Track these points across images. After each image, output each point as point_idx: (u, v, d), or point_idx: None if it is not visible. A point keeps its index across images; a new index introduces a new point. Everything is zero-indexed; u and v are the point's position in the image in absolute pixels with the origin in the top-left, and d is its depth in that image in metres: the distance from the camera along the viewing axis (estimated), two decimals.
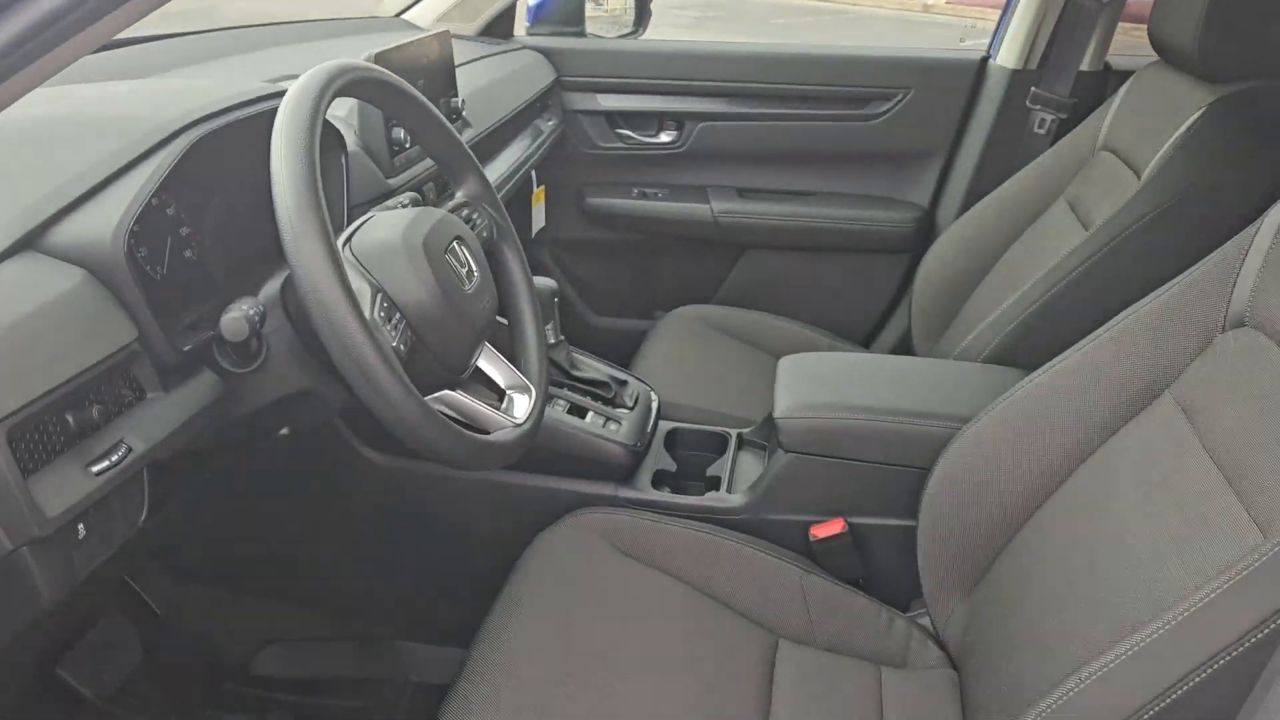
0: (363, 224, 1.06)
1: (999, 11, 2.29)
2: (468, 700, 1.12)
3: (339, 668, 1.70)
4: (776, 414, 1.47)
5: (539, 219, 2.38)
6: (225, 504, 1.56)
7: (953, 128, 2.31)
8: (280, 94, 1.17)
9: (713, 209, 2.39)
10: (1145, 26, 1.71)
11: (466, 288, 1.06)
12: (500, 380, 1.18)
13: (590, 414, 1.53)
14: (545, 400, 1.22)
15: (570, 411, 1.53)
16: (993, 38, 2.29)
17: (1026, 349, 1.60)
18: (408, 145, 1.43)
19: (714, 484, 1.56)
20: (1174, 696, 0.78)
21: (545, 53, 2.37)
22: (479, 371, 1.17)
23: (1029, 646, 1.08)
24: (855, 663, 1.30)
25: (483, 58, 2.15)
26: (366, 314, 0.93)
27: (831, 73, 2.31)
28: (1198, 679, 0.77)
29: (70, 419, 0.83)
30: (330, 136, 1.25)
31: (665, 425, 1.66)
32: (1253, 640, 0.76)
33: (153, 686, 1.58)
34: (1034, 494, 1.23)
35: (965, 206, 2.15)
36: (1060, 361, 1.26)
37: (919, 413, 1.43)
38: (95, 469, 0.83)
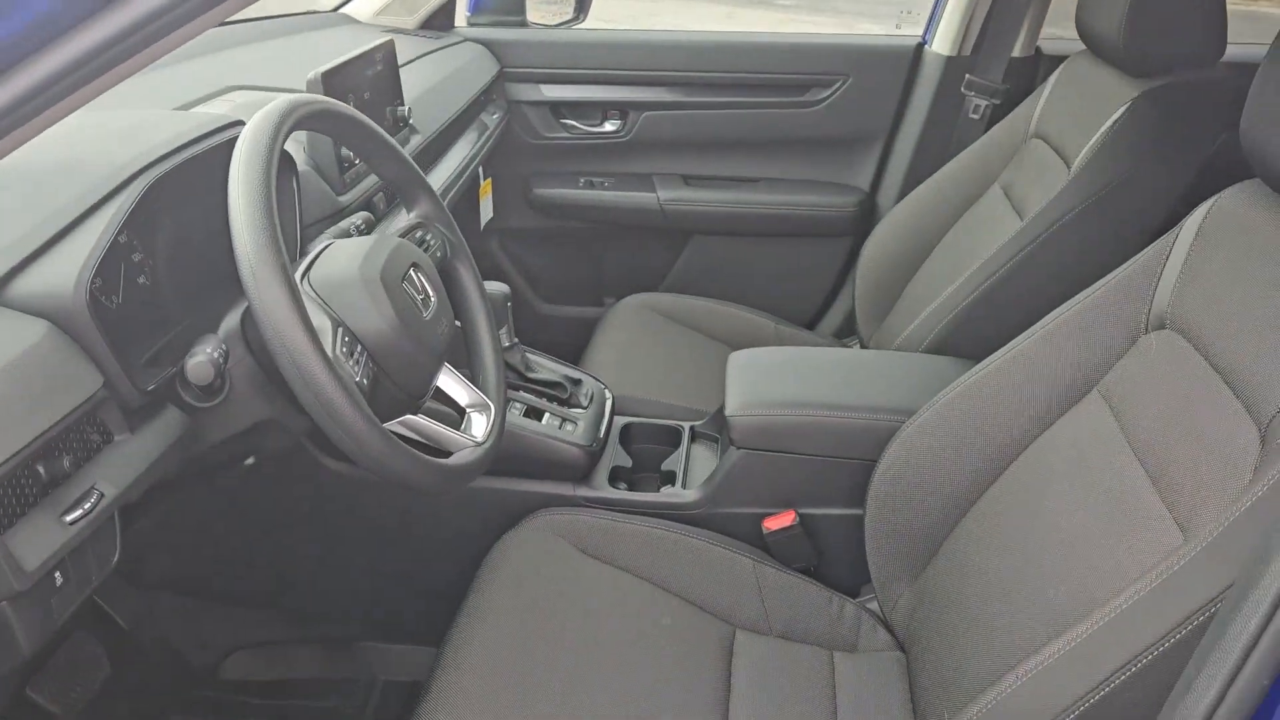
0: (320, 255, 1.07)
1: None
2: (441, 700, 1.15)
3: (308, 669, 1.73)
4: (728, 412, 1.51)
5: (486, 211, 2.39)
6: (188, 516, 1.57)
7: (891, 113, 2.35)
8: (231, 125, 1.18)
9: (659, 197, 2.42)
10: None
11: (425, 315, 1.09)
12: (459, 398, 1.21)
13: (546, 416, 1.57)
14: (504, 417, 1.25)
15: (527, 414, 1.56)
16: (927, 24, 2.33)
17: (966, 338, 1.66)
18: (356, 161, 1.44)
19: (669, 478, 1.60)
20: (1103, 693, 0.84)
21: (487, 44, 2.37)
22: (438, 390, 1.20)
23: (971, 634, 1.15)
24: (808, 649, 1.36)
25: (425, 55, 2.15)
26: (329, 350, 0.96)
27: (772, 61, 2.34)
28: (1124, 676, 0.83)
29: (41, 470, 0.84)
30: (280, 158, 1.26)
31: (620, 420, 1.70)
32: (1174, 639, 0.82)
33: (123, 700, 1.59)
34: (974, 485, 1.29)
35: (905, 190, 2.20)
36: (997, 358, 1.31)
37: (864, 407, 1.48)
38: (69, 518, 0.85)
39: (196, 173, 1.12)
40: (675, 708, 1.20)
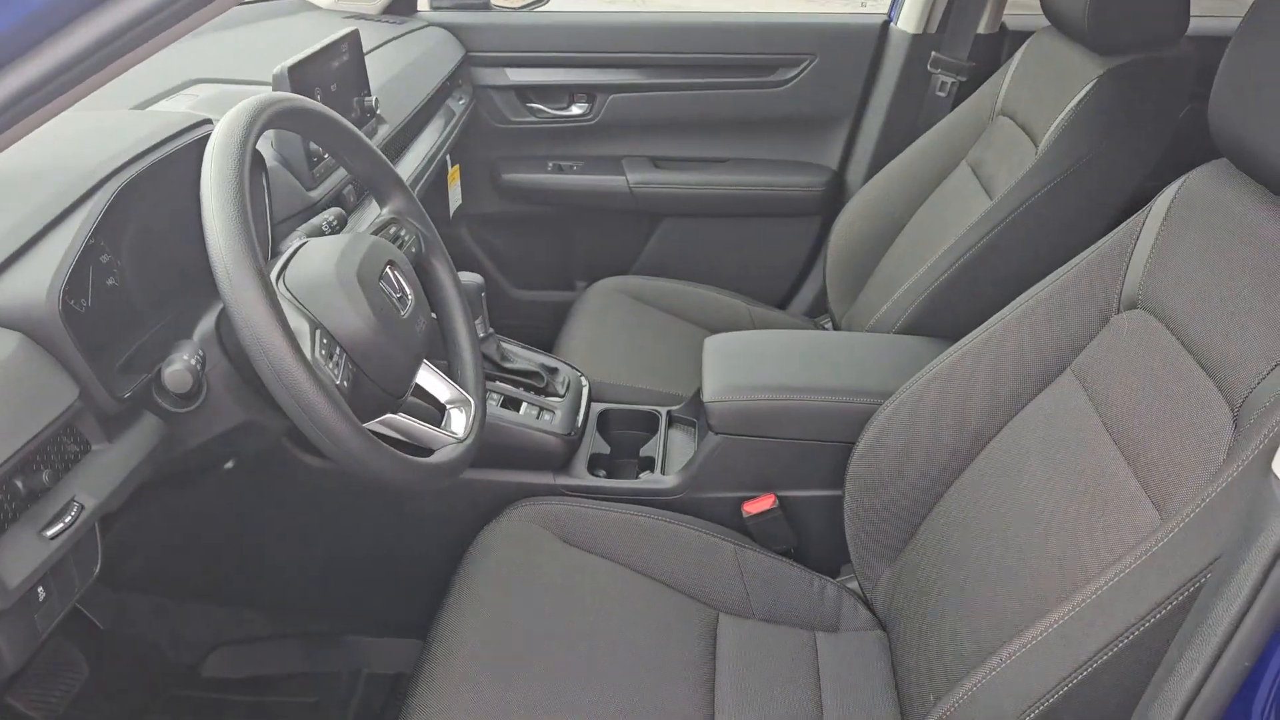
0: (294, 255, 1.06)
1: None
2: (431, 692, 1.16)
3: (290, 664, 1.72)
4: (705, 398, 1.52)
5: (455, 199, 2.37)
6: (163, 515, 1.56)
7: (858, 92, 2.36)
8: (199, 124, 1.17)
9: (628, 180, 2.41)
10: None
11: (402, 313, 1.08)
12: (439, 395, 1.21)
13: (524, 405, 1.56)
14: (484, 412, 1.25)
15: (504, 404, 1.55)
16: (892, 2, 2.33)
17: (938, 319, 1.67)
18: (325, 155, 1.42)
19: (648, 464, 1.61)
20: (1086, 673, 0.85)
21: (451, 28, 2.34)
22: (418, 387, 1.19)
23: (952, 614, 1.17)
24: (791, 630, 1.38)
25: (390, 41, 2.12)
26: (307, 353, 0.95)
27: (738, 41, 2.33)
28: (1106, 656, 0.85)
29: (20, 484, 0.83)
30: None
31: (597, 407, 1.70)
32: (1155, 618, 0.83)
33: (103, 700, 1.58)
34: (951, 466, 1.31)
35: (873, 169, 2.21)
36: (971, 339, 1.33)
37: (841, 390, 1.49)
38: (49, 532, 0.84)
39: (163, 173, 1.10)
40: (662, 693, 1.21)
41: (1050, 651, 0.88)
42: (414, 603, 1.61)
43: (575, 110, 2.43)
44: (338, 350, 1.00)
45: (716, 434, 1.51)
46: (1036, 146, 1.70)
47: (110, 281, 1.07)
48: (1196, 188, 1.13)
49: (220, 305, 1.08)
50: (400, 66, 1.98)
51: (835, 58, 2.33)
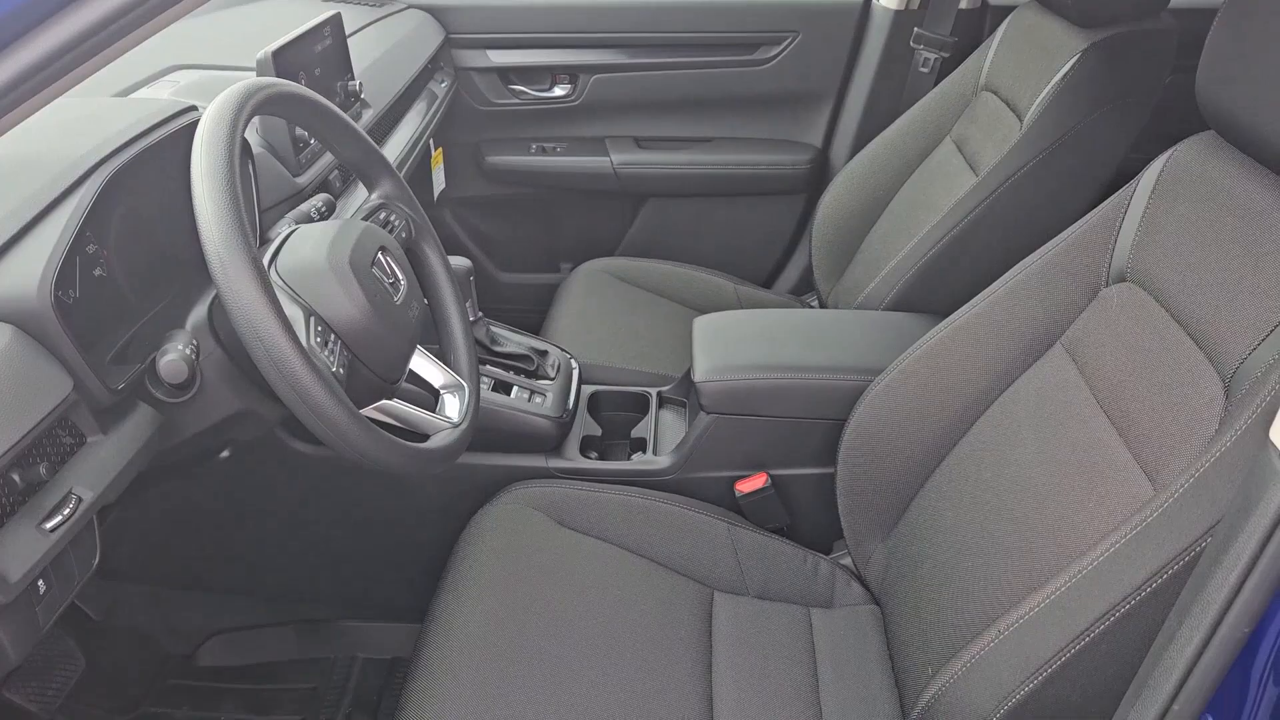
0: (285, 242, 1.06)
1: None
2: (431, 676, 1.16)
3: (286, 651, 1.73)
4: (696, 378, 1.52)
5: (439, 181, 2.36)
6: (155, 505, 1.55)
7: (841, 69, 2.35)
8: (184, 111, 1.16)
9: (612, 161, 2.40)
10: None
11: (395, 299, 1.08)
12: (433, 380, 1.21)
13: (515, 389, 1.56)
14: (478, 396, 1.25)
15: (495, 388, 1.55)
16: None
17: (926, 295, 1.68)
18: (311, 140, 1.41)
19: (639, 445, 1.61)
20: (1083, 643, 0.87)
21: (431, 10, 2.32)
22: (411, 373, 1.19)
23: (946, 588, 1.18)
24: (785, 607, 1.39)
25: (371, 24, 2.10)
26: (303, 340, 0.95)
27: (720, 19, 2.32)
28: (1103, 626, 0.86)
29: (17, 478, 0.83)
30: None
31: (587, 389, 1.70)
32: (1150, 588, 0.85)
33: (100, 691, 1.58)
34: (943, 441, 1.32)
35: (857, 146, 2.21)
36: (960, 315, 1.33)
37: (832, 368, 1.50)
38: (48, 525, 0.84)
39: (149, 161, 1.09)
40: (660, 671, 1.21)
41: (1048, 622, 0.89)
42: (409, 587, 1.61)
43: (558, 91, 2.42)
44: (332, 338, 0.99)
45: (708, 414, 1.52)
46: (1021, 121, 1.70)
47: (98, 272, 1.06)
48: (1184, 160, 1.13)
49: (212, 293, 1.07)
50: (382, 50, 1.97)
51: (817, 35, 2.33)
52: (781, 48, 2.34)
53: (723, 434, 1.52)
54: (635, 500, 1.45)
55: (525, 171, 2.45)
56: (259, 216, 1.23)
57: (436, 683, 1.16)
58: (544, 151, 2.44)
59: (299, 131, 1.38)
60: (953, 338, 1.33)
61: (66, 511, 0.85)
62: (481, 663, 1.18)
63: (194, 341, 0.99)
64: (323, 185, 1.44)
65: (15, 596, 0.80)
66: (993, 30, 1.97)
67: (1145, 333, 1.08)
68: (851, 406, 1.41)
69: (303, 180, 1.37)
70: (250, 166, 1.21)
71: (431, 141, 2.18)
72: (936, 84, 2.07)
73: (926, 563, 1.25)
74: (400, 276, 1.11)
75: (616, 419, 1.68)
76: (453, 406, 1.20)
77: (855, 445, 1.39)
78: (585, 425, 1.64)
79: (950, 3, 2.19)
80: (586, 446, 1.59)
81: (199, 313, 1.05)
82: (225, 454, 1.21)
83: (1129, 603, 0.85)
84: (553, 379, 1.62)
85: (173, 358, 0.95)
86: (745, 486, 1.53)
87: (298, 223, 1.15)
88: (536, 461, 1.54)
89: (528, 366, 1.62)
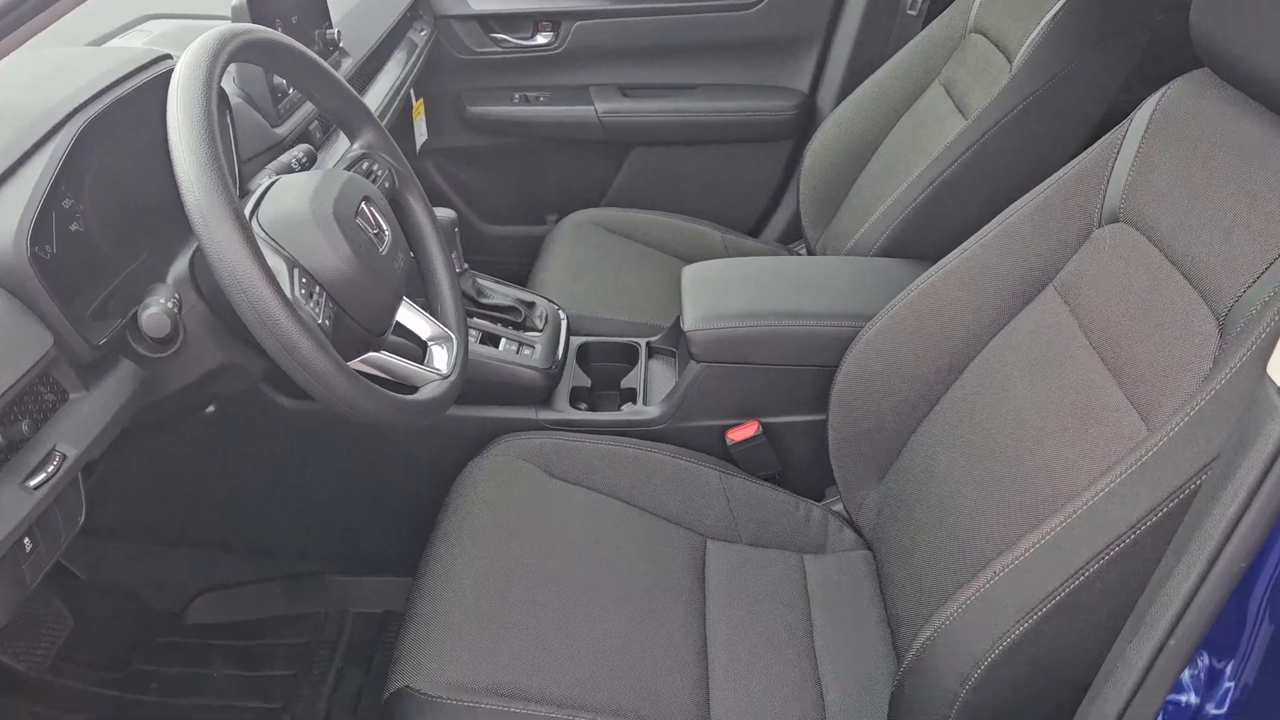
0: (266, 193, 1.03)
1: None
2: (425, 628, 1.16)
3: (276, 607, 1.72)
4: (686, 327, 1.51)
5: (421, 133, 2.32)
6: (140, 462, 1.54)
7: (827, 12, 2.31)
8: (159, 59, 1.12)
9: (596, 109, 2.37)
10: None
11: (380, 249, 1.06)
12: (420, 332, 1.19)
13: (503, 341, 1.55)
14: (467, 348, 1.23)
15: (483, 340, 1.54)
16: None
17: (917, 240, 1.67)
18: (290, 90, 1.38)
19: (629, 396, 1.61)
20: (1079, 581, 0.87)
21: None
22: (398, 325, 1.18)
23: (939, 531, 1.18)
24: (778, 553, 1.39)
25: None
26: (287, 292, 0.93)
27: None
28: (1098, 564, 0.86)
29: (0, 437, 0.81)
30: None
31: (576, 340, 1.69)
32: (1146, 525, 0.85)
33: (88, 650, 1.58)
34: (935, 386, 1.31)
35: (845, 91, 2.18)
36: (952, 259, 1.32)
37: (823, 314, 1.49)
38: (32, 483, 0.82)
39: (124, 112, 1.06)
40: (654, 619, 1.22)
41: (1043, 562, 0.89)
42: (399, 541, 1.61)
43: (540, 39, 2.38)
44: (317, 289, 0.98)
45: (698, 362, 1.51)
46: (1010, 63, 1.68)
47: (74, 227, 1.04)
48: (1177, 99, 1.12)
49: (193, 246, 1.05)
50: None
51: None
52: None
53: (713, 382, 1.51)
54: (626, 450, 1.45)
55: (508, 121, 2.41)
56: (239, 168, 1.21)
57: (431, 635, 1.16)
58: (527, 101, 2.40)
59: (277, 80, 1.34)
60: (944, 282, 1.32)
61: (50, 469, 0.84)
62: (476, 613, 1.18)
63: (176, 295, 0.97)
64: (303, 136, 1.41)
65: (1, 555, 0.78)
66: None
67: (1138, 273, 1.08)
68: (843, 353, 1.40)
69: (282, 131, 1.34)
70: (228, 117, 1.18)
71: (412, 92, 2.15)
72: (924, 26, 2.04)
73: (920, 507, 1.25)
74: (385, 227, 1.09)
75: (606, 370, 1.67)
76: (441, 358, 1.19)
77: (847, 391, 1.38)
78: (574, 376, 1.63)
79: None
80: (576, 398, 1.59)
81: (180, 266, 1.03)
82: (210, 409, 1.20)
83: (1124, 540, 0.85)
84: (541, 330, 1.61)
85: (154, 311, 0.93)
86: (736, 435, 1.52)
87: (278, 174, 1.13)
88: (526, 413, 1.54)
89: (515, 318, 1.61)
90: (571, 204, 2.31)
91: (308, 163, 1.22)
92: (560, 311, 1.69)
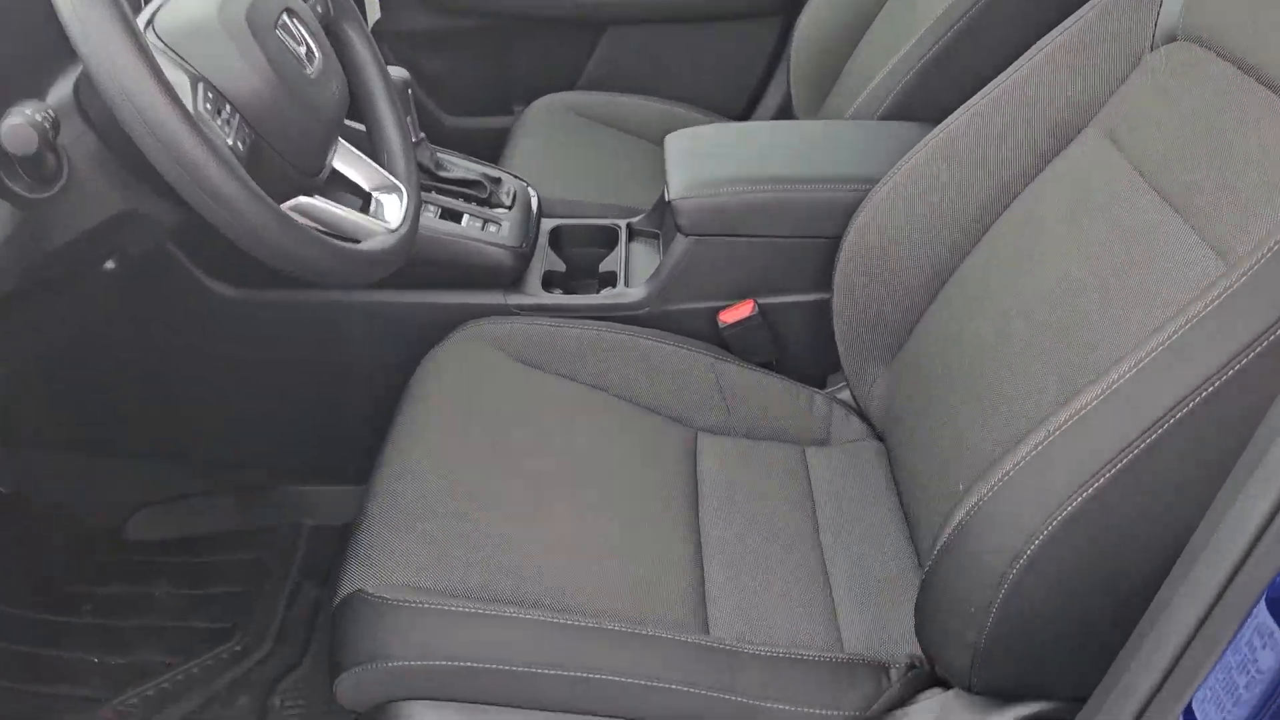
0: (166, 1, 0.86)
1: None
2: (377, 535, 1.03)
3: (225, 522, 1.60)
4: (671, 196, 1.36)
5: (374, 11, 2.14)
6: (58, 360, 1.38)
7: None
8: None
9: None
10: None
11: (308, 70, 0.89)
12: (363, 182, 1.03)
13: (466, 217, 1.39)
14: (419, 200, 1.07)
15: (443, 216, 1.38)
16: None
17: (927, 101, 1.50)
18: None
19: (609, 280, 1.46)
20: (1152, 438, 0.73)
21: None
22: (336, 175, 1.01)
23: (967, 406, 1.04)
24: (777, 446, 1.27)
25: None
26: (189, 108, 0.76)
27: None
28: (1178, 415, 0.72)
29: None
30: None
31: (548, 224, 1.53)
32: (1237, 367, 0.71)
33: (14, 572, 1.45)
34: (954, 250, 1.18)
35: None
36: (973, 104, 1.18)
37: (824, 178, 1.35)
38: None
39: None
40: (641, 516, 1.10)
41: (1109, 416, 0.75)
42: (357, 446, 1.47)
43: None
44: (228, 108, 0.81)
45: (685, 236, 1.36)
46: None
47: None
48: None
49: (79, 67, 0.88)
50: None
51: None
52: None
53: (702, 259, 1.37)
54: (607, 335, 1.31)
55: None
56: None
57: (386, 535, 1.02)
58: None
59: None
60: (963, 132, 1.17)
61: None
62: (438, 511, 1.04)
63: (49, 112, 0.79)
64: None
65: None
66: None
67: (1205, 92, 0.93)
68: (847, 221, 1.25)
69: None
70: None
71: None
72: None
73: (940, 384, 1.11)
74: (314, 46, 0.91)
75: (582, 255, 1.52)
76: (391, 208, 1.02)
77: (853, 264, 1.24)
78: (548, 260, 1.47)
79: None
80: (550, 283, 1.44)
81: (63, 88, 0.85)
82: (110, 265, 1.03)
83: (1212, 384, 0.71)
84: (509, 208, 1.45)
85: (16, 122, 0.75)
86: (729, 316, 1.38)
87: None
88: (493, 298, 1.39)
89: (479, 194, 1.44)
90: (541, 91, 2.14)
91: None
92: (530, 189, 1.53)
